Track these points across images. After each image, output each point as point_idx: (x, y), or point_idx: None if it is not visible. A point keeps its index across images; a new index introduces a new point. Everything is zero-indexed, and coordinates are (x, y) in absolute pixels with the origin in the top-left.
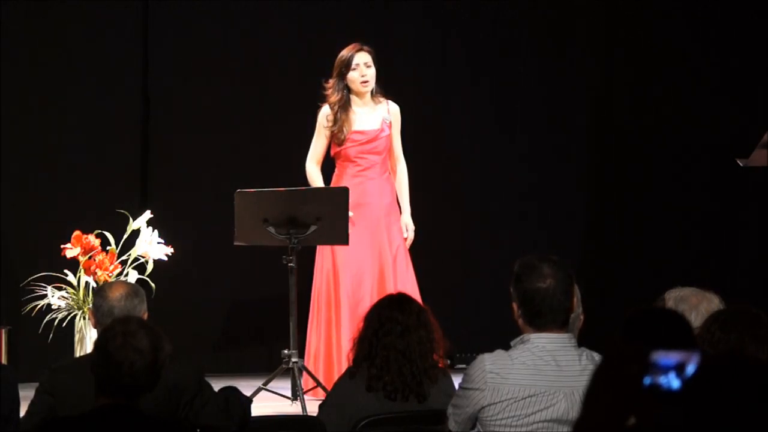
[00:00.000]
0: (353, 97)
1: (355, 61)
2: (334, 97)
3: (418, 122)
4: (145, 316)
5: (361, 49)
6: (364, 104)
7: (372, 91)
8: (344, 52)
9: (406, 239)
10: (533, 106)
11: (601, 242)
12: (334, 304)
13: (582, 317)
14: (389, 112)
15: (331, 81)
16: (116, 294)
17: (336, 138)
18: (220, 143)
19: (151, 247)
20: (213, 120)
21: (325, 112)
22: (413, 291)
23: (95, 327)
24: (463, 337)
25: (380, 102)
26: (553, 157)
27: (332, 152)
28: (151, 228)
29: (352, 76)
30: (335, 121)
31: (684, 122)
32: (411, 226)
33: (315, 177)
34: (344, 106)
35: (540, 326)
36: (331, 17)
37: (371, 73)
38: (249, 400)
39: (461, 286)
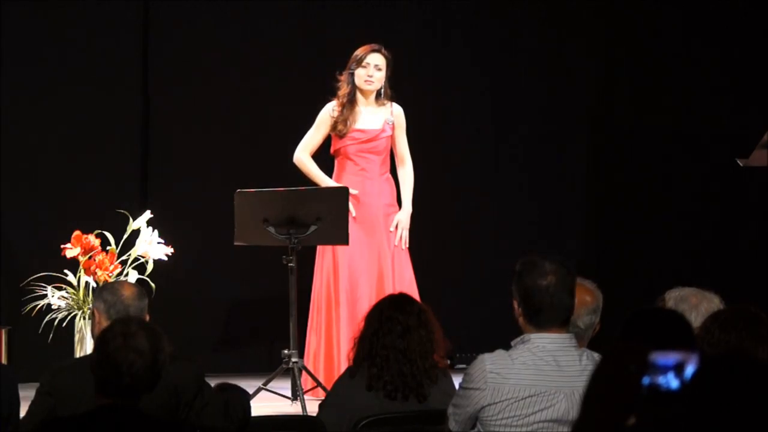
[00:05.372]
0: (359, 96)
1: (366, 59)
2: (344, 90)
3: (417, 121)
4: (147, 318)
5: (377, 51)
6: (368, 104)
7: (380, 94)
8: (360, 49)
9: (393, 232)
10: (533, 105)
11: (601, 242)
12: (334, 304)
13: (598, 327)
14: (392, 114)
15: (344, 74)
16: (128, 293)
17: (337, 131)
18: (220, 143)
19: (151, 247)
20: (213, 119)
21: (330, 106)
22: (412, 291)
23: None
24: (463, 337)
25: (384, 105)
26: (552, 157)
27: (332, 149)
28: (151, 228)
29: (359, 72)
30: (341, 112)
31: (684, 122)
32: (403, 224)
33: (308, 162)
34: (351, 100)
35: (540, 324)
36: (332, 17)
37: (378, 76)
38: (248, 397)
39: (461, 287)
